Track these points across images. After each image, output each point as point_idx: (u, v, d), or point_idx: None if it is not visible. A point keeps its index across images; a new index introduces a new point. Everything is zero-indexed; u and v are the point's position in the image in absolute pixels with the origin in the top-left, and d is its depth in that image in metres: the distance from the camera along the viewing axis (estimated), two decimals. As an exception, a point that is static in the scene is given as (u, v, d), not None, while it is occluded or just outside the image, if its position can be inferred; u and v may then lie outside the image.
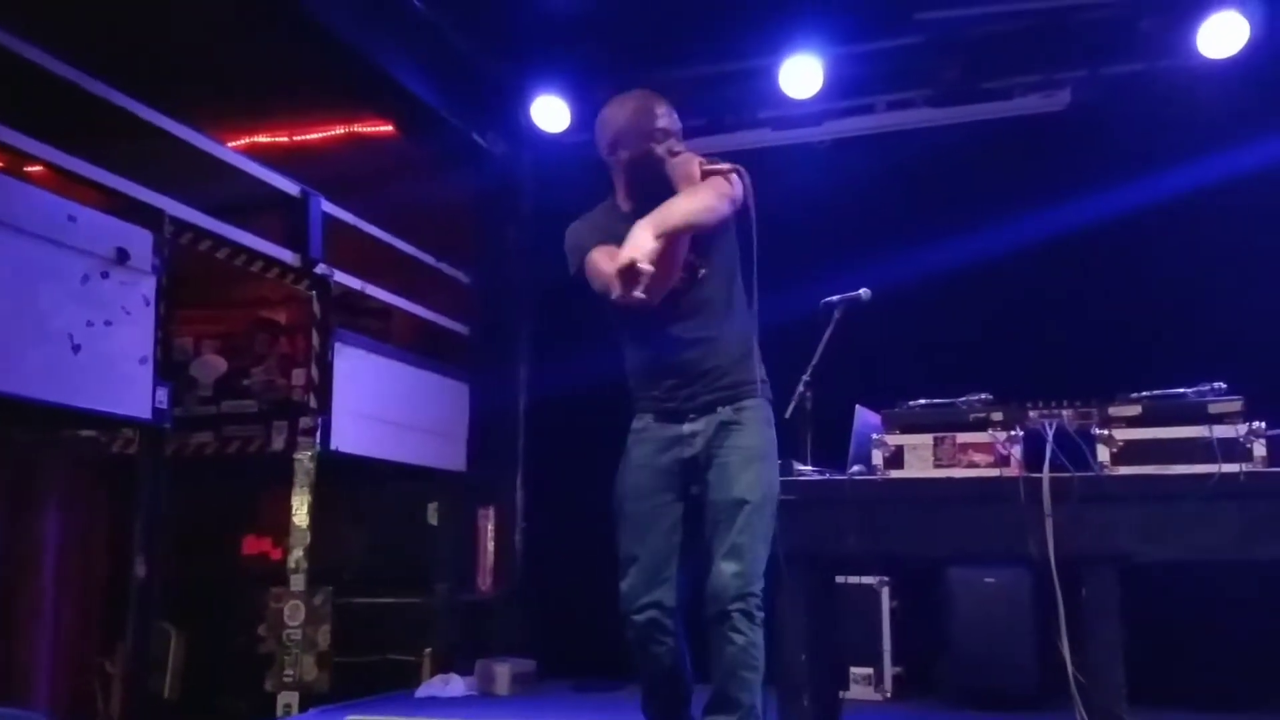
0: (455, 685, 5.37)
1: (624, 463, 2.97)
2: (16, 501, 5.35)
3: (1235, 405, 3.19)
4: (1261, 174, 4.85)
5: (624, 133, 2.93)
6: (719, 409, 2.86)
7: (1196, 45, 5.06)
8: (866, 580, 5.05)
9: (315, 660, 4.85)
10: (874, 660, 5.00)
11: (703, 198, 2.81)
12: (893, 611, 5.05)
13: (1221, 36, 5.00)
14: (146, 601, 4.19)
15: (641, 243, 2.62)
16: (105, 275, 3.97)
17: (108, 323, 3.96)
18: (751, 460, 2.82)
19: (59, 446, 5.29)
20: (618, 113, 2.97)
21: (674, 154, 2.88)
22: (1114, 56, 5.38)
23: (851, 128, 5.82)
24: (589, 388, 4.49)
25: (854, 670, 4.97)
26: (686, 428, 2.88)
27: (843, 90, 5.67)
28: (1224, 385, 3.26)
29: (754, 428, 2.86)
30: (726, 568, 2.72)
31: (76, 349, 3.82)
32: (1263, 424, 3.15)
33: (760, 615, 2.73)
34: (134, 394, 4.06)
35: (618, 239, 2.71)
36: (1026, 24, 5.38)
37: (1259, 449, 3.11)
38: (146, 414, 4.12)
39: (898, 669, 5.03)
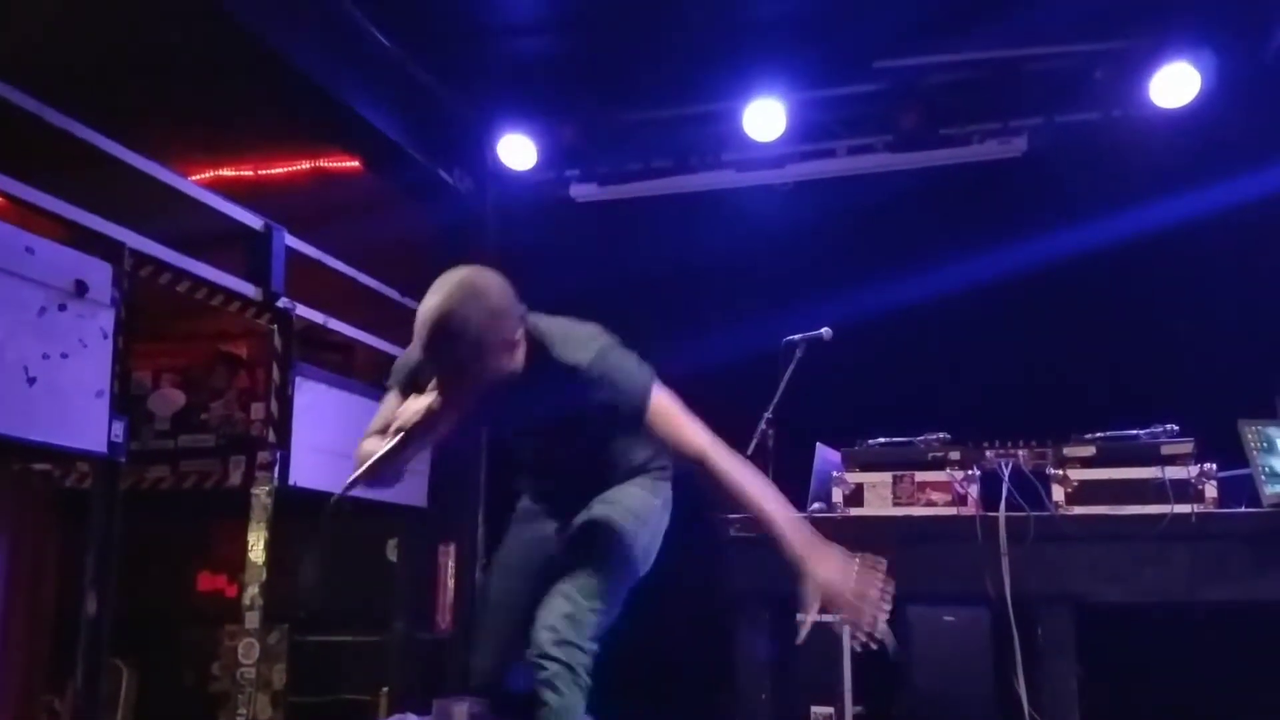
0: (412, 725, 5.29)
1: None
2: (-35, 535, 5.24)
3: (1187, 447, 3.26)
4: (1210, 220, 4.95)
5: None
6: None
7: (1149, 95, 5.19)
8: (827, 618, 5.05)
9: (270, 700, 4.78)
10: (835, 699, 4.99)
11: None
12: (853, 650, 5.05)
13: (1174, 87, 5.13)
14: (97, 638, 4.09)
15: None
16: (63, 307, 3.91)
17: (64, 355, 3.90)
18: None
19: (10, 479, 5.19)
20: None
21: None
22: (1069, 105, 5.50)
23: (813, 171, 5.89)
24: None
25: (815, 709, 4.95)
26: None
27: (805, 134, 5.76)
28: (1176, 427, 3.32)
29: None
30: None
31: (31, 381, 3.76)
32: (1214, 466, 3.22)
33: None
34: (89, 427, 4.00)
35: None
36: (983, 73, 5.50)
37: (1210, 490, 3.17)
38: (102, 448, 4.05)
39: (859, 708, 5.01)
